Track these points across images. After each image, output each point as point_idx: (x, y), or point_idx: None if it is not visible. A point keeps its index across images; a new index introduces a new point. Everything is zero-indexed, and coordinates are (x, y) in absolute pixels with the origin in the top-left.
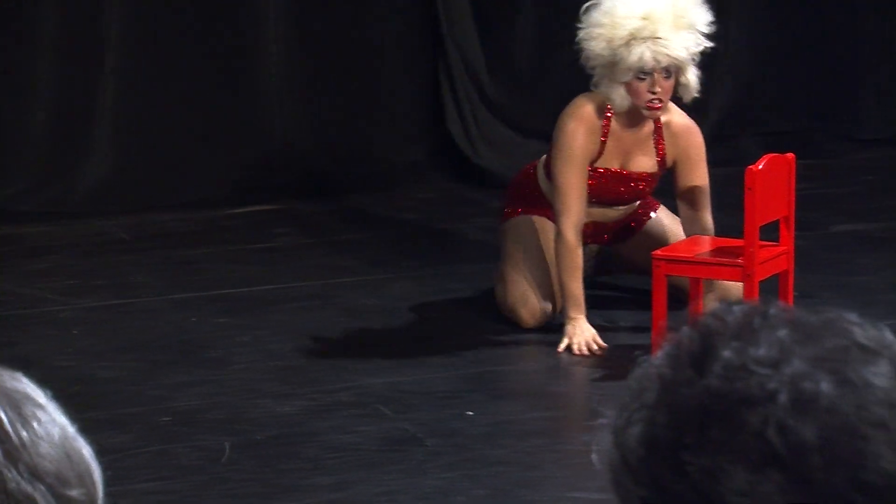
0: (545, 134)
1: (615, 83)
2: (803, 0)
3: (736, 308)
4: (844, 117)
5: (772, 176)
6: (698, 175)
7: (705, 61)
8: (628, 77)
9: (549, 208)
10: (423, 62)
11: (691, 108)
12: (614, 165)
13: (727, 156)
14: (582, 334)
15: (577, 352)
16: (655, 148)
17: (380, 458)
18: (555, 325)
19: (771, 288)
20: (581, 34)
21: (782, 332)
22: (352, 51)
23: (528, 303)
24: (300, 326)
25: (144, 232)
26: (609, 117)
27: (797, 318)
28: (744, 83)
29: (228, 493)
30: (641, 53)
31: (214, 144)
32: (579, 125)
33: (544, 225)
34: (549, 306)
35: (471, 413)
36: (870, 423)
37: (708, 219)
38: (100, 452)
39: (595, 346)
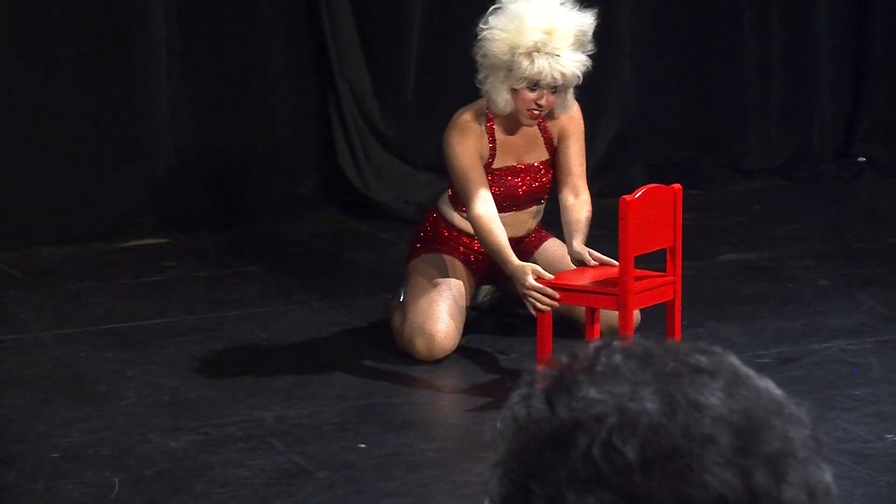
0: (436, 166)
1: (503, 86)
2: (689, 31)
3: (589, 344)
4: (730, 148)
5: (651, 206)
6: (574, 148)
7: (593, 92)
8: (520, 85)
9: (456, 247)
10: (313, 95)
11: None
12: (511, 162)
13: (614, 186)
14: (539, 297)
15: (543, 309)
16: (542, 135)
17: (271, 492)
18: (446, 359)
19: (660, 318)
20: (484, 33)
21: (621, 361)
22: (241, 84)
23: (425, 334)
24: (189, 360)
25: (30, 267)
26: (491, 123)
27: (640, 348)
28: (631, 113)
29: None
30: (542, 67)
31: (102, 177)
32: (463, 134)
33: (454, 263)
34: (446, 341)
35: (363, 445)
36: (696, 440)
37: (583, 191)
38: None
39: (548, 297)
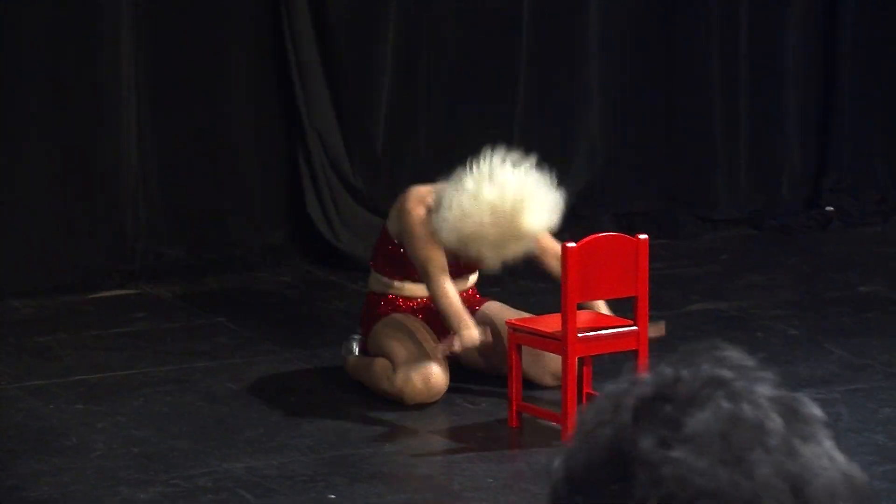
0: None
1: (456, 241)
2: (658, 82)
3: (690, 372)
4: (700, 198)
5: (601, 255)
6: None
7: (565, 141)
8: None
9: (401, 308)
10: (283, 147)
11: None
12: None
13: (584, 235)
14: (469, 338)
15: (464, 345)
16: None
17: None
18: (415, 411)
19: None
20: (453, 208)
21: (722, 428)
22: (210, 136)
23: (422, 374)
24: (159, 411)
25: None
26: None
27: (731, 415)
28: (600, 164)
29: None
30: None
31: (71, 230)
32: (419, 204)
33: (413, 319)
34: (440, 378)
35: (332, 496)
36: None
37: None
38: None
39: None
